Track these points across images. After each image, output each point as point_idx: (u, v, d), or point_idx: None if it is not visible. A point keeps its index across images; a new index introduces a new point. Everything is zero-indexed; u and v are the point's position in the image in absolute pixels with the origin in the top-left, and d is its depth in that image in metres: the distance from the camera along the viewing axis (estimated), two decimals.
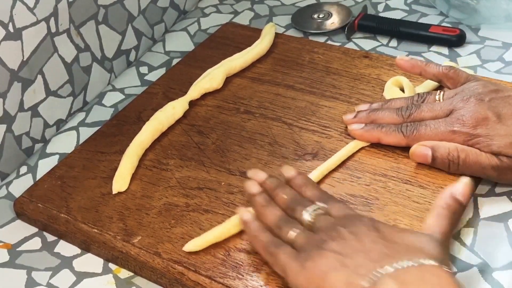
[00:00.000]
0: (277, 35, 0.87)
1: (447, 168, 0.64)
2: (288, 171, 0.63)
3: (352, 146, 0.69)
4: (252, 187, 0.62)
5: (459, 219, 0.58)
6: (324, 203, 0.58)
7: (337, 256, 0.52)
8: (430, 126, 0.66)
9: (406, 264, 0.49)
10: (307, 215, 0.57)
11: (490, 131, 0.63)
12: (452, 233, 0.56)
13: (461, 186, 0.57)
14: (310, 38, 0.89)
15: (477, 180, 0.66)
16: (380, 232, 0.53)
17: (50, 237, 0.68)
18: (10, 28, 0.72)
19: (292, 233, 0.56)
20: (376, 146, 0.69)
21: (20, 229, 0.70)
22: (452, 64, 0.77)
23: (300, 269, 0.53)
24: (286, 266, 0.54)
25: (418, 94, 0.70)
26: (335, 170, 0.67)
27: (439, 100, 0.68)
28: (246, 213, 0.60)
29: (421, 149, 0.65)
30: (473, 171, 0.64)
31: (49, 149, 0.79)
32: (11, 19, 0.72)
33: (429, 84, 0.74)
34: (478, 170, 0.64)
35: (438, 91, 0.69)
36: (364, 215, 0.58)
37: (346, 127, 0.71)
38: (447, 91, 0.68)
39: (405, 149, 0.67)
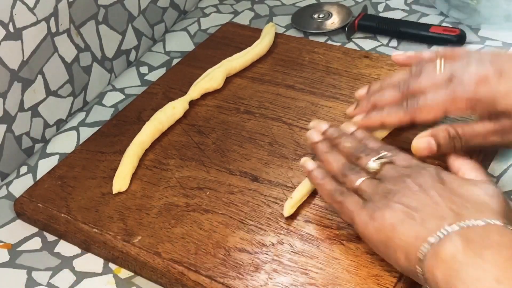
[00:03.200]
0: (277, 35, 0.87)
1: (453, 148, 0.62)
2: (349, 127, 0.64)
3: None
4: (314, 135, 0.63)
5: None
6: (388, 152, 0.59)
7: (405, 209, 0.53)
8: (429, 97, 0.63)
9: (472, 223, 0.50)
10: (372, 163, 0.58)
11: (492, 89, 0.59)
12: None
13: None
14: (310, 38, 0.89)
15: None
16: (446, 184, 0.55)
17: (50, 237, 0.68)
18: (10, 28, 0.72)
19: (358, 181, 0.57)
20: None
21: (20, 229, 0.70)
22: None
23: (368, 219, 0.55)
24: (354, 214, 0.56)
25: (418, 62, 0.66)
26: None
27: (440, 70, 0.64)
28: (309, 161, 0.61)
29: (423, 141, 0.63)
30: (478, 142, 0.62)
31: (49, 149, 0.79)
32: (11, 19, 0.72)
33: None
34: (481, 140, 0.62)
35: (438, 60, 0.64)
36: (430, 165, 0.58)
37: None
38: (448, 60, 0.64)
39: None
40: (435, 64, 0.64)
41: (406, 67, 0.69)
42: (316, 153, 0.62)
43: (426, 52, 0.68)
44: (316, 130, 0.65)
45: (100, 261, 0.66)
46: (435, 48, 0.84)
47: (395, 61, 0.71)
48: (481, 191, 0.54)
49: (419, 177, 0.56)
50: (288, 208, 0.63)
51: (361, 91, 0.71)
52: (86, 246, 0.66)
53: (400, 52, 0.71)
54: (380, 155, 0.59)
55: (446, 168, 0.60)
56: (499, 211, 0.52)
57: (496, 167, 0.68)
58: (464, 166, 0.59)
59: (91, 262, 0.66)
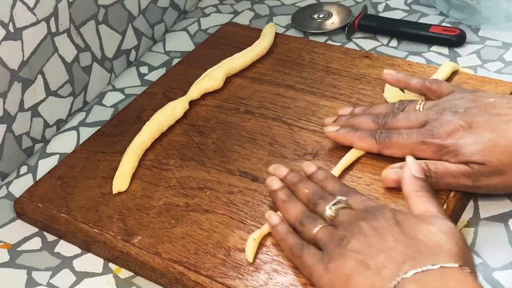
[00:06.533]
0: (277, 35, 0.87)
1: None
2: (309, 167, 0.64)
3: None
4: (273, 183, 0.63)
5: (435, 194, 0.58)
6: (345, 196, 0.59)
7: (359, 256, 0.52)
8: (403, 135, 0.65)
9: (428, 268, 0.49)
10: (328, 210, 0.57)
11: (458, 140, 0.62)
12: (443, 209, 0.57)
13: (412, 165, 0.59)
14: (310, 38, 0.89)
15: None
16: (401, 227, 0.53)
17: (50, 237, 0.68)
18: (10, 28, 0.72)
19: (315, 229, 0.57)
20: None
21: (20, 229, 0.70)
22: (453, 64, 0.77)
23: (323, 271, 0.54)
24: (311, 268, 0.55)
25: (400, 101, 0.69)
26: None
27: (419, 110, 0.67)
28: (273, 216, 0.61)
29: (392, 172, 0.63)
30: (448, 183, 0.63)
31: (49, 149, 0.79)
32: (11, 19, 0.72)
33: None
34: (452, 180, 0.62)
35: (420, 100, 0.68)
36: (386, 206, 0.58)
37: None
38: (428, 102, 0.68)
39: None
40: (416, 104, 0.68)
41: (393, 86, 0.73)
42: (275, 202, 0.62)
43: (415, 79, 0.71)
44: (275, 176, 0.63)
45: (100, 261, 0.66)
46: (435, 47, 0.85)
47: (384, 79, 0.72)
48: (436, 230, 0.53)
49: (374, 221, 0.54)
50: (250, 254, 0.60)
51: (345, 110, 0.72)
52: (86, 246, 0.66)
53: (391, 71, 0.72)
54: (336, 200, 0.58)
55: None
56: (455, 251, 0.51)
57: None
58: (414, 195, 0.57)
59: (91, 262, 0.66)
